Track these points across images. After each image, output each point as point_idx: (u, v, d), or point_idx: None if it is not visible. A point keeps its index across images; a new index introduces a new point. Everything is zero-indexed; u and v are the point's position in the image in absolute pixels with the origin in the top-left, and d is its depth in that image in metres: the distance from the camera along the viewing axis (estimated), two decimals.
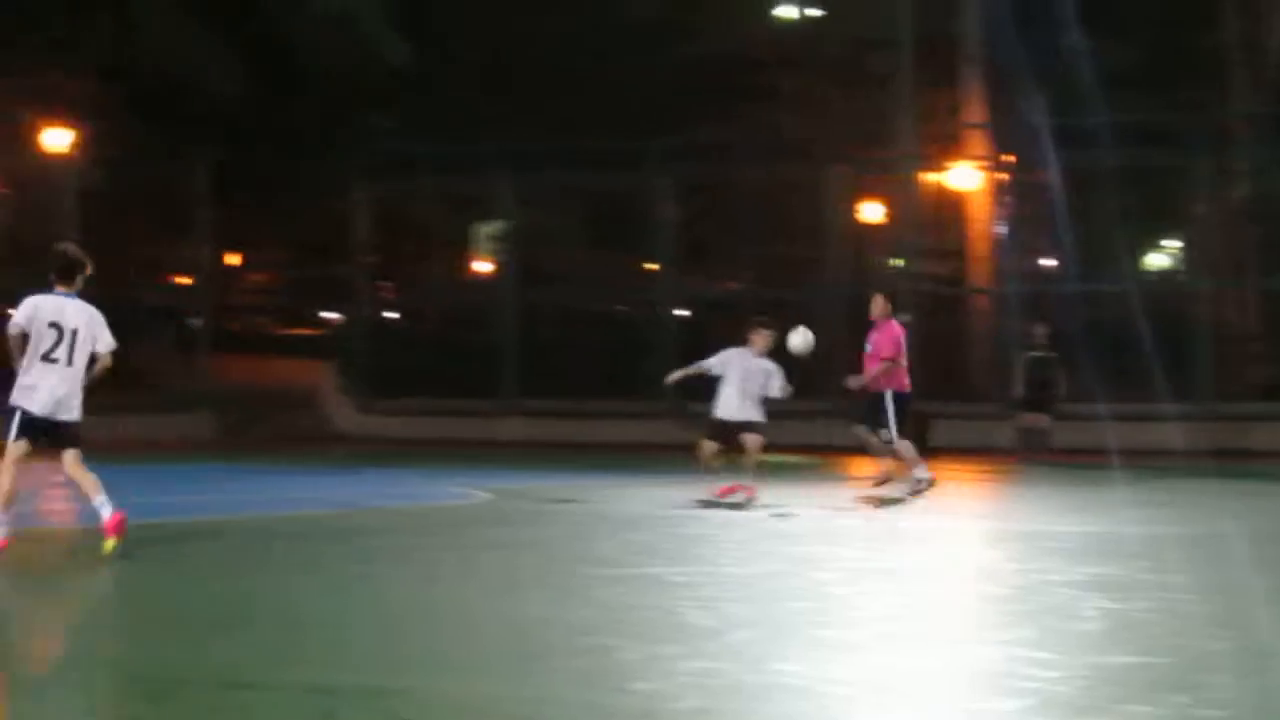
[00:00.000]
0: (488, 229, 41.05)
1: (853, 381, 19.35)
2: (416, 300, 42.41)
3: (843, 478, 23.45)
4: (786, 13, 43.20)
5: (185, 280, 40.64)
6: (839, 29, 40.58)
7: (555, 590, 11.48)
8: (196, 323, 38.82)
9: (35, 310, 12.63)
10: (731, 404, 18.72)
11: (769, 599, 11.06)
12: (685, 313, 36.94)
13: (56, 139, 34.96)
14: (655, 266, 37.29)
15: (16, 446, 12.68)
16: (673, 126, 36.67)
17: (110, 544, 12.61)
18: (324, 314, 46.96)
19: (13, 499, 12.85)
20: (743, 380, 18.67)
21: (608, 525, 16.61)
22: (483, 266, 42.35)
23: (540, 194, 38.04)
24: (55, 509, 17.49)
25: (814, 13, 42.95)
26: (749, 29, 41.07)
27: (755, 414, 18.76)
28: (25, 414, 12.59)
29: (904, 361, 19.19)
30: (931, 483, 19.05)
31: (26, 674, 8.54)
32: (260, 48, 39.72)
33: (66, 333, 12.60)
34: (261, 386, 37.90)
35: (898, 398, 19.05)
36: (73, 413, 12.75)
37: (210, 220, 38.15)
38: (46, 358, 12.57)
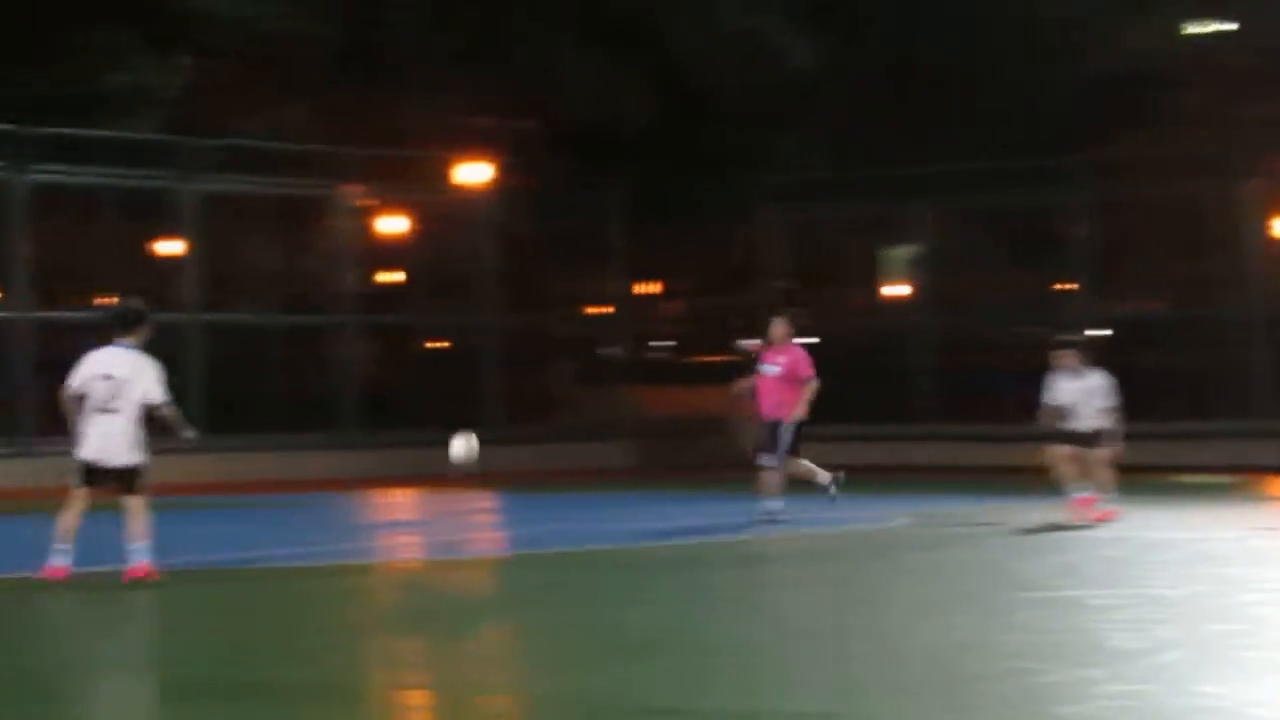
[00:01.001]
0: (899, 252, 40.73)
1: None
2: (828, 326, 42.27)
3: (1265, 498, 22.54)
4: (1197, 28, 41.91)
5: (597, 310, 41.36)
6: (1251, 40, 39.16)
7: (976, 614, 11.26)
8: (613, 352, 39.46)
9: (86, 366, 13.37)
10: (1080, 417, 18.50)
11: (1193, 621, 10.67)
12: (1102, 333, 36.02)
13: (472, 174, 36.00)
14: (1066, 287, 36.47)
15: (78, 492, 13.32)
16: (1081, 144, 35.90)
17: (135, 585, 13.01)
18: (736, 341, 47.17)
19: (72, 534, 13.22)
20: (1076, 399, 18.42)
21: (1028, 548, 16.27)
22: (893, 290, 42.01)
23: (952, 216, 37.61)
24: (472, 538, 17.93)
25: (1226, 26, 41.55)
26: (1156, 44, 39.96)
27: (1099, 424, 18.28)
28: (81, 461, 13.30)
29: None
30: None
31: (462, 703, 8.68)
32: (665, 73, 40.25)
33: (118, 384, 13.29)
34: (674, 414, 38.30)
35: None
36: (124, 458, 13.35)
37: (624, 250, 38.77)
38: (102, 409, 13.26)
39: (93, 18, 33.81)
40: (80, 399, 13.36)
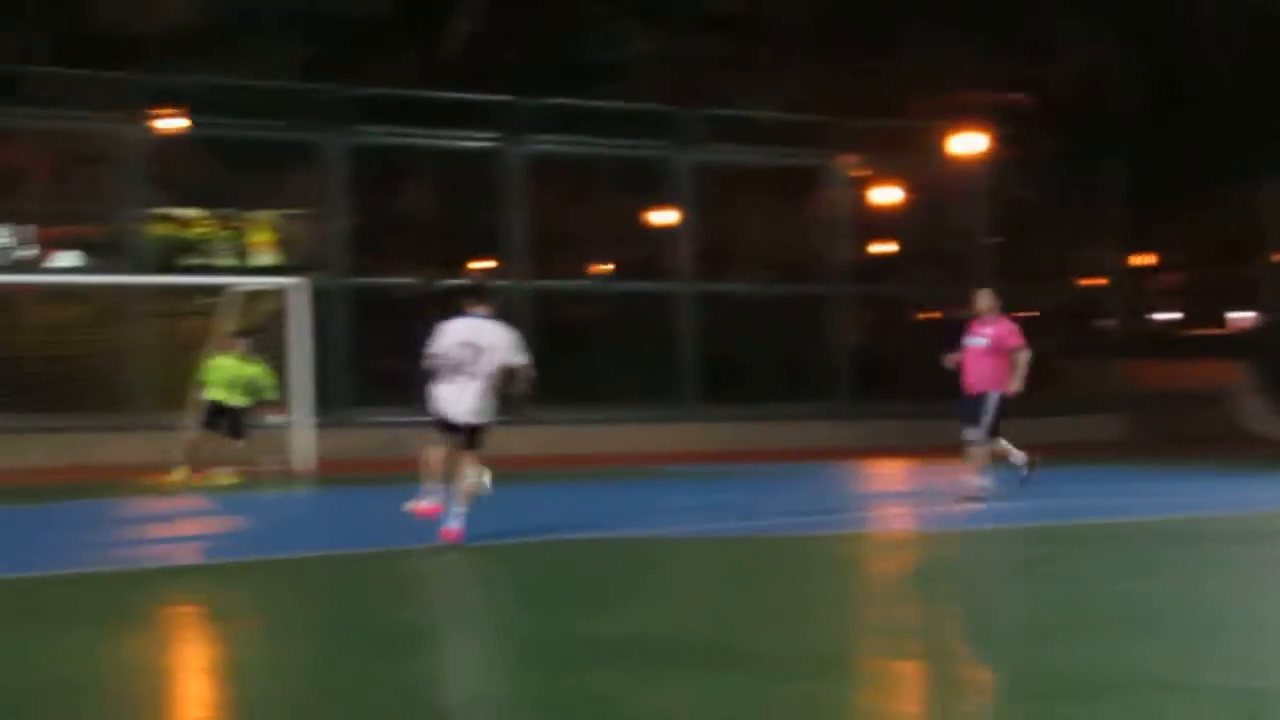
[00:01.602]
0: None
1: None
2: None
3: None
4: None
5: (1094, 282, 40.48)
6: None
7: None
8: (1108, 324, 38.60)
9: (447, 333, 14.25)
10: None
11: None
12: None
13: (967, 144, 35.65)
14: None
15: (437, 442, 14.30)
16: None
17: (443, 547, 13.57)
18: (1231, 314, 45.61)
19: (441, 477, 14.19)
20: None
21: None
22: None
23: None
24: (959, 510, 17.75)
25: None
26: None
27: None
28: (436, 414, 14.22)
29: None
30: None
31: (950, 675, 8.63)
32: (1166, 43, 39.05)
33: (475, 350, 14.15)
34: (1169, 388, 37.23)
35: None
36: (474, 416, 14.15)
37: (1120, 222, 37.85)
38: (458, 372, 14.12)
39: None
40: (440, 363, 14.17)
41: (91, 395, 26.35)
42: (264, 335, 25.62)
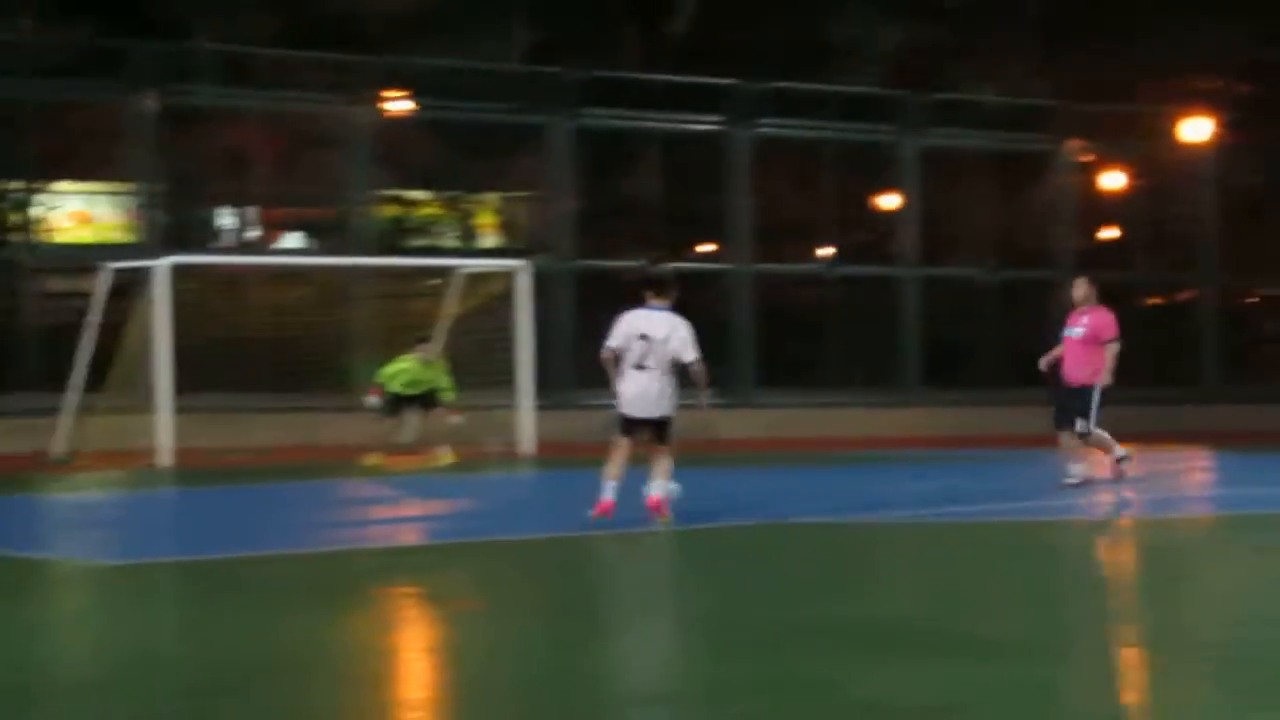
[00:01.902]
0: None
1: None
2: None
3: None
4: None
5: None
6: None
7: None
8: None
9: (624, 325, 14.12)
10: None
11: None
12: None
13: (1195, 130, 34.90)
14: None
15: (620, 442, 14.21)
16: None
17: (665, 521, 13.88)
18: None
19: (620, 477, 13.91)
20: None
21: None
22: None
23: None
24: (1184, 497, 17.36)
25: None
26: None
27: None
28: (619, 413, 14.24)
29: None
30: None
31: (1174, 664, 8.43)
32: None
33: (651, 343, 13.97)
34: None
35: None
36: (658, 410, 14.08)
37: None
38: (637, 366, 14.04)
39: None
40: (618, 356, 14.07)
41: (316, 376, 26.83)
42: (488, 317, 25.91)
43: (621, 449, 14.22)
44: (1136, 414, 33.51)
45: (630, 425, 14.26)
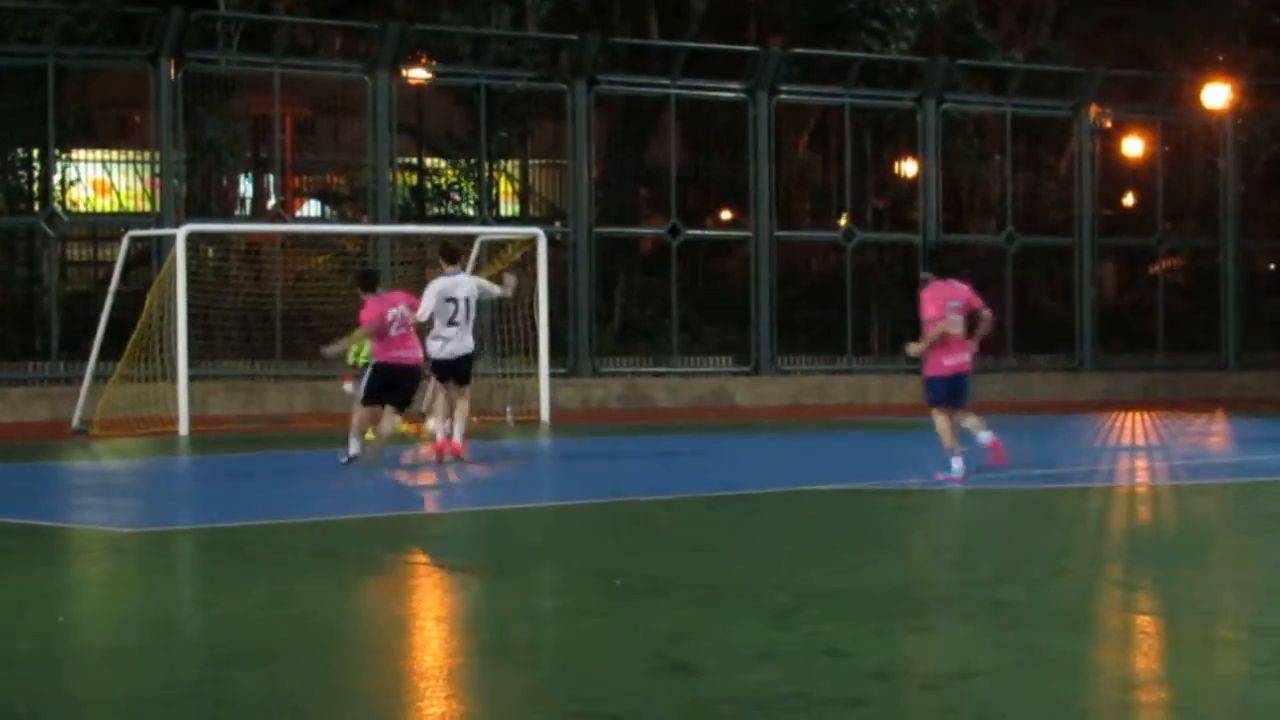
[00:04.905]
0: None
1: None
2: None
3: None
4: None
5: None
6: None
7: None
8: None
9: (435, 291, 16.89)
10: None
11: None
12: None
13: (1216, 95, 34.75)
14: None
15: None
16: None
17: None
18: None
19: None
20: None
21: None
22: None
23: None
24: (1204, 464, 17.32)
25: None
26: None
27: None
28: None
29: None
30: None
31: (1190, 630, 8.44)
32: None
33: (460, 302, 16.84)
34: None
35: None
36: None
37: None
38: (449, 322, 16.85)
39: None
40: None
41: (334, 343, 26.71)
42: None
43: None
44: (1157, 379, 33.60)
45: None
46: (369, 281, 18.42)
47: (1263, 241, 36.70)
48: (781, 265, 31.69)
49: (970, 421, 15.50)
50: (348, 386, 22.66)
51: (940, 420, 15.24)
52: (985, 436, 15.43)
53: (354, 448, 17.05)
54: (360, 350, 21.63)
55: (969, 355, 15.61)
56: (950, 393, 15.22)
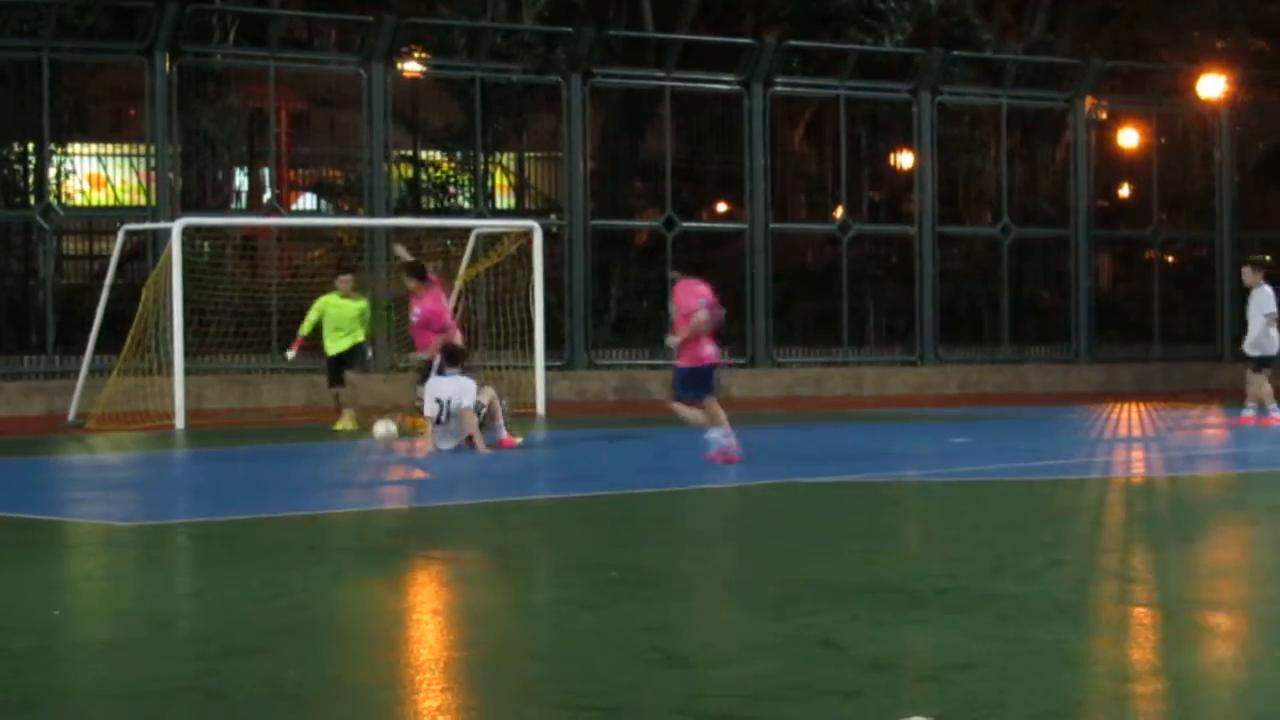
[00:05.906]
0: None
1: None
2: None
3: None
4: None
5: None
6: None
7: None
8: None
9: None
10: None
11: None
12: None
13: (1211, 87, 34.73)
14: None
15: None
16: None
17: None
18: None
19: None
20: None
21: None
22: None
23: None
24: (1203, 455, 17.33)
25: None
26: None
27: None
28: None
29: None
30: None
31: (1183, 620, 8.45)
32: None
33: None
34: None
35: None
36: None
37: None
38: None
39: None
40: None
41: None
42: (502, 278, 25.92)
43: None
44: (1153, 370, 33.61)
45: None
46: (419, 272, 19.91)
47: (1258, 232, 36.68)
48: (777, 257, 31.67)
49: (711, 415, 15.81)
50: (290, 355, 22.93)
51: (688, 412, 15.79)
52: (718, 433, 15.68)
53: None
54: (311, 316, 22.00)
55: (716, 348, 16.37)
56: (703, 383, 15.78)
